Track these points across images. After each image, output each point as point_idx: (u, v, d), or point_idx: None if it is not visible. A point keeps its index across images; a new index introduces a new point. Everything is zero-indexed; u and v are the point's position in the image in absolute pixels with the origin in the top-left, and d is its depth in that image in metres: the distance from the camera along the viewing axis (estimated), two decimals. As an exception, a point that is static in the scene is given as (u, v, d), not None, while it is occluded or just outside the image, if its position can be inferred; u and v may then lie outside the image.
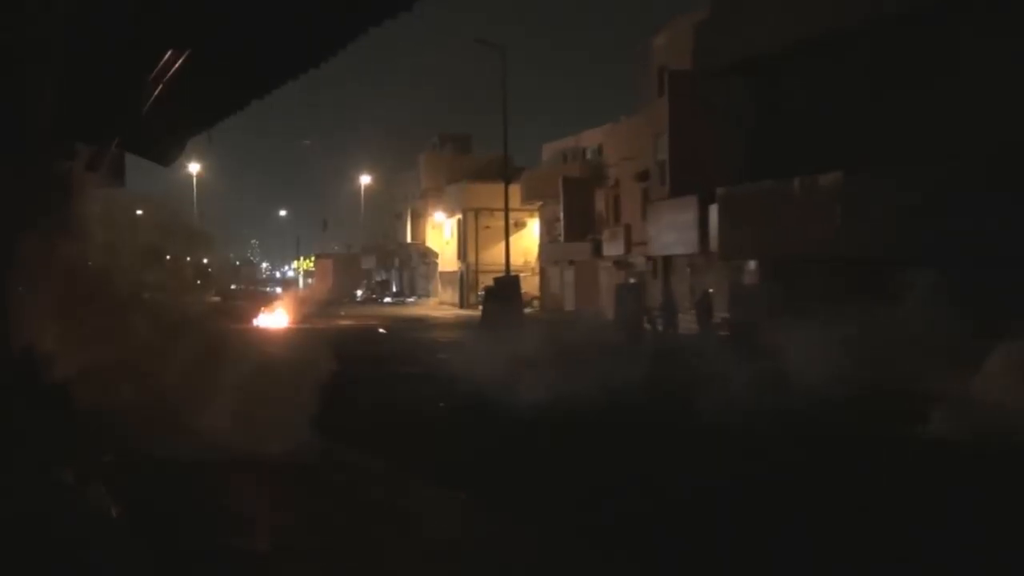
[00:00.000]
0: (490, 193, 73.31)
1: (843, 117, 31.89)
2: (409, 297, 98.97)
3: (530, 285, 69.76)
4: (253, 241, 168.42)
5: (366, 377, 25.53)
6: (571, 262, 67.29)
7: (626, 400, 20.34)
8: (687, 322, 41.85)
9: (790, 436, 16.64)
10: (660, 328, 42.68)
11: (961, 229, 25.86)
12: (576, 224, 64.39)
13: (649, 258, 53.69)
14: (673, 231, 48.05)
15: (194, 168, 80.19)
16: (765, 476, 13.86)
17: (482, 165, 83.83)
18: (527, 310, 55.34)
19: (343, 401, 19.42)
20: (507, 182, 55.02)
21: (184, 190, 79.15)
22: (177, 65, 13.69)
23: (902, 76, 29.99)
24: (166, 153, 20.14)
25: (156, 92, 14.76)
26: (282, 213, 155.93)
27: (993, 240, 25.14)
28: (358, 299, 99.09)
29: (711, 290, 41.84)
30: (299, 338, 41.48)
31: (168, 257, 21.66)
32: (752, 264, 39.49)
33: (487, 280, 59.52)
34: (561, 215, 66.27)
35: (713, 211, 42.17)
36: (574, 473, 14.20)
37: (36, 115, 11.91)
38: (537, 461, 15.11)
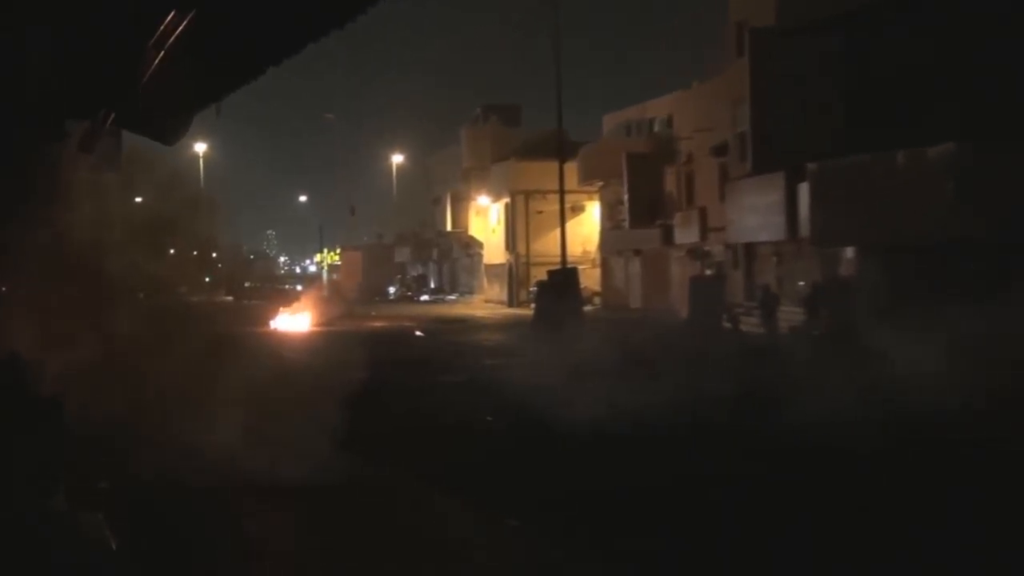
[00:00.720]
0: (542, 173, 73.11)
1: (956, 78, 31.56)
2: (450, 294, 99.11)
3: (589, 279, 69.59)
4: (269, 232, 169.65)
5: (401, 387, 25.60)
6: (637, 251, 67.06)
7: (708, 417, 20.03)
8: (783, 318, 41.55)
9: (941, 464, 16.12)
10: (742, 327, 42.48)
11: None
12: (642, 207, 64.16)
13: (728, 246, 53.43)
14: (756, 214, 47.77)
15: (200, 148, 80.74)
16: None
17: (533, 141, 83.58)
18: (586, 308, 55.23)
19: (374, 416, 19.44)
20: (562, 160, 54.83)
21: (189, 174, 79.79)
22: (181, 28, 13.70)
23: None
24: (169, 130, 20.17)
25: (158, 59, 14.79)
26: (302, 199, 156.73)
27: None
28: (391, 297, 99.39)
29: (804, 283, 41.57)
30: (323, 342, 41.75)
31: (172, 252, 21.77)
32: (849, 251, 39.22)
33: (540, 273, 59.53)
34: (625, 197, 66.05)
35: (803, 190, 41.90)
36: (648, 509, 14.02)
37: (18, 87, 11.95)
38: (602, 491, 14.92)
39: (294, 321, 51.74)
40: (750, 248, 51.42)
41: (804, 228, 42.29)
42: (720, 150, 54.05)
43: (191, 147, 77.91)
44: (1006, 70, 29.97)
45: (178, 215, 21.46)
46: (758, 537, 12.22)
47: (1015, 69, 29.59)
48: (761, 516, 13.15)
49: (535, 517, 13.02)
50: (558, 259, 54.15)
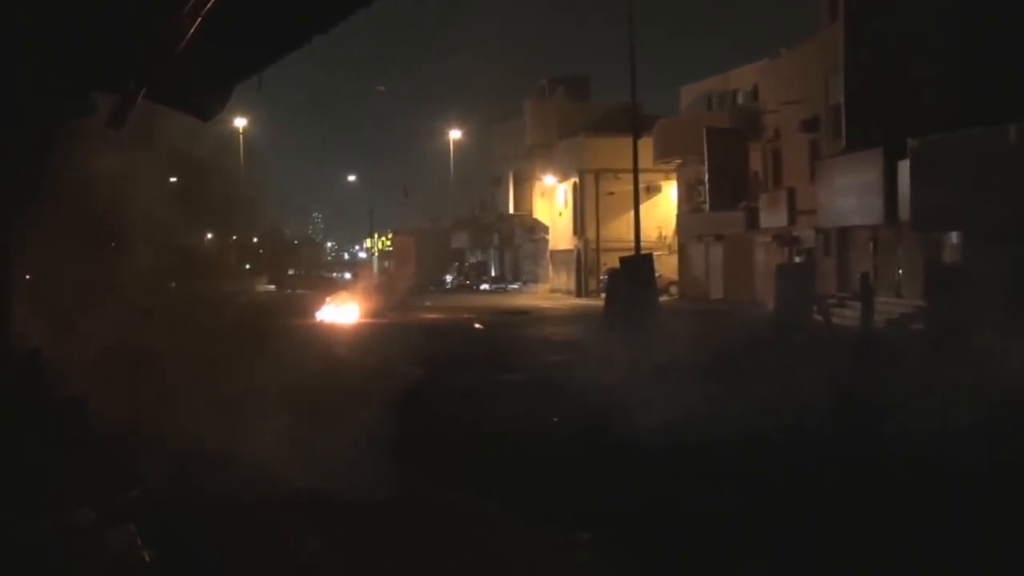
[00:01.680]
0: (614, 150, 73.05)
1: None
2: (512, 283, 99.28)
3: (666, 266, 69.43)
4: (315, 215, 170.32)
5: (458, 387, 25.46)
6: (718, 237, 66.85)
7: (801, 426, 19.62)
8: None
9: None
10: (834, 320, 42.08)
11: None
12: (725, 188, 63.87)
13: (819, 231, 53.09)
14: (851, 195, 47.41)
15: (240, 123, 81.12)
16: None
17: (603, 115, 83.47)
18: (662, 298, 55.02)
19: (429, 419, 19.34)
20: (636, 135, 54.55)
21: (227, 153, 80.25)
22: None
23: None
24: (206, 105, 20.11)
25: (194, 27, 14.69)
26: (351, 179, 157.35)
27: None
28: (448, 286, 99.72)
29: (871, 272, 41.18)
30: (374, 337, 41.79)
31: (209, 236, 21.81)
32: (955, 237, 38.81)
33: (611, 260, 59.39)
34: (705, 177, 65.77)
35: (904, 168, 41.48)
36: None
37: (37, 53, 11.89)
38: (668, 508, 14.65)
39: (341, 313, 51.86)
40: (843, 233, 51.04)
41: (904, 211, 41.87)
42: (810, 125, 53.69)
43: (230, 122, 78.15)
44: None
45: (215, 198, 21.52)
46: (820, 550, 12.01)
47: None
48: (825, 532, 12.91)
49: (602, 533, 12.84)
50: (631, 245, 53.91)
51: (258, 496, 13.41)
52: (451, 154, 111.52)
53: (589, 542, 12.62)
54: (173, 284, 18.10)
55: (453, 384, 25.86)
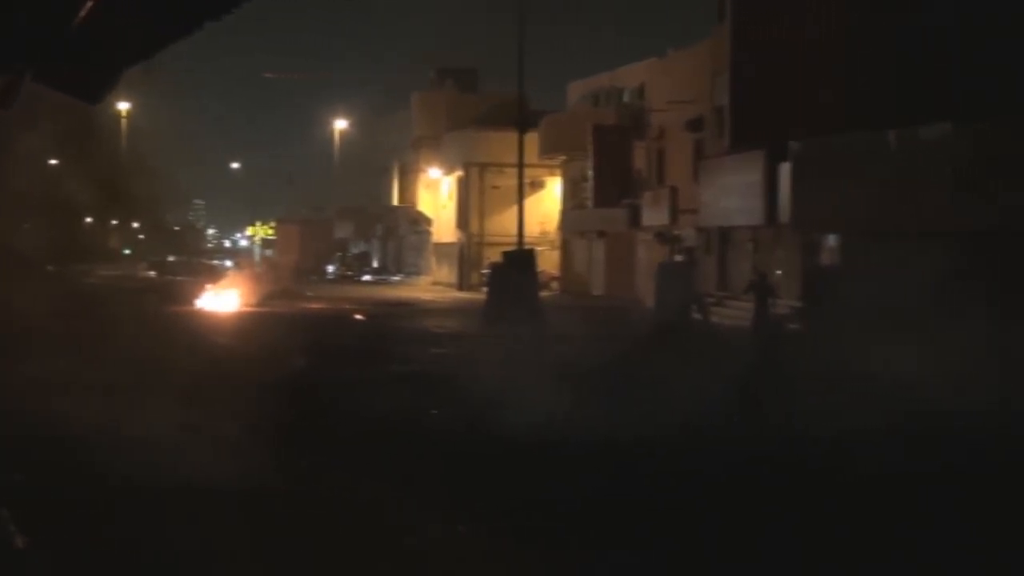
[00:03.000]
0: (500, 144, 72.95)
1: (968, 48, 31.42)
2: (394, 274, 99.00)
3: (548, 262, 69.62)
4: (198, 202, 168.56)
5: (338, 378, 25.21)
6: (601, 233, 67.08)
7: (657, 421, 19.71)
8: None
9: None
10: (713, 319, 42.40)
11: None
12: (609, 185, 64.11)
13: (701, 230, 53.44)
14: (733, 195, 47.72)
15: (123, 107, 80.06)
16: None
17: (491, 109, 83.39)
18: (544, 293, 55.13)
19: (312, 408, 19.19)
20: (522, 130, 54.53)
21: (111, 137, 79.18)
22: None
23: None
24: (94, 88, 19.77)
25: (85, 8, 14.42)
26: (234, 166, 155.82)
27: None
28: (330, 276, 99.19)
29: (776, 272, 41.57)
30: (252, 325, 41.42)
31: (88, 220, 21.48)
32: (833, 239, 39.25)
33: (494, 255, 59.32)
34: (590, 173, 65.96)
35: (785, 171, 41.85)
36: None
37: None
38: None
39: (222, 300, 51.34)
40: (724, 233, 51.44)
41: (784, 213, 42.24)
42: (696, 124, 53.98)
43: (116, 106, 77.12)
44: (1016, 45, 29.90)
45: (95, 182, 21.18)
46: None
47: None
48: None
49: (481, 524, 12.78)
50: (514, 239, 53.89)
51: (138, 484, 13.18)
52: (336, 144, 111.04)
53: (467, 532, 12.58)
54: (50, 268, 17.79)
55: (332, 375, 25.63)
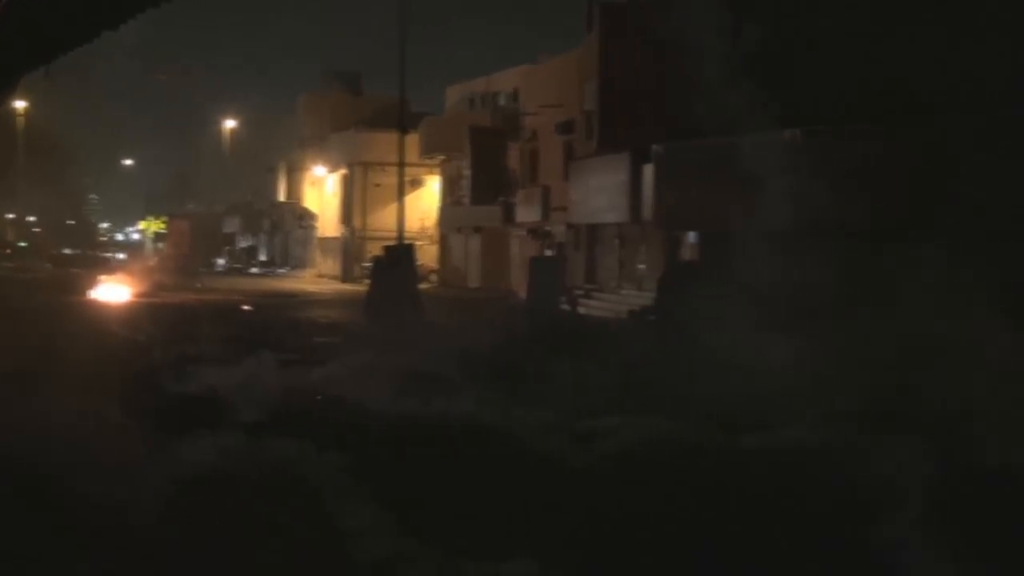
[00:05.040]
0: (383, 144, 72.87)
1: (827, 58, 31.98)
2: (281, 267, 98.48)
3: (427, 255, 69.74)
4: (92, 197, 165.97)
5: (225, 364, 25.14)
6: (477, 229, 67.27)
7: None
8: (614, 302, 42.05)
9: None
10: (580, 310, 42.90)
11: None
12: (485, 183, 64.35)
13: (571, 226, 53.81)
14: (600, 194, 48.12)
15: (20, 105, 78.94)
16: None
17: (374, 111, 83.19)
18: (423, 285, 55.22)
19: (197, 394, 19.29)
20: (402, 131, 54.54)
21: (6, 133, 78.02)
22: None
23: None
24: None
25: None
26: (127, 163, 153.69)
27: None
28: (219, 268, 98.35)
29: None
30: (143, 315, 41.08)
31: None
32: (692, 236, 39.79)
33: (376, 249, 59.28)
34: (467, 172, 66.17)
35: (648, 172, 42.35)
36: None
37: None
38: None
39: (114, 291, 50.87)
40: (592, 229, 51.83)
41: (648, 211, 42.74)
42: (566, 128, 54.32)
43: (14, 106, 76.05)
44: (885, 51, 30.48)
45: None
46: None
47: (896, 51, 30.09)
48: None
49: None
50: (395, 234, 53.94)
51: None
52: (227, 143, 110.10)
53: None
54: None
55: (220, 361, 25.53)
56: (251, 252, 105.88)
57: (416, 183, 75.02)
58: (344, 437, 15.92)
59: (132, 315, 40.86)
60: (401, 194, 54.69)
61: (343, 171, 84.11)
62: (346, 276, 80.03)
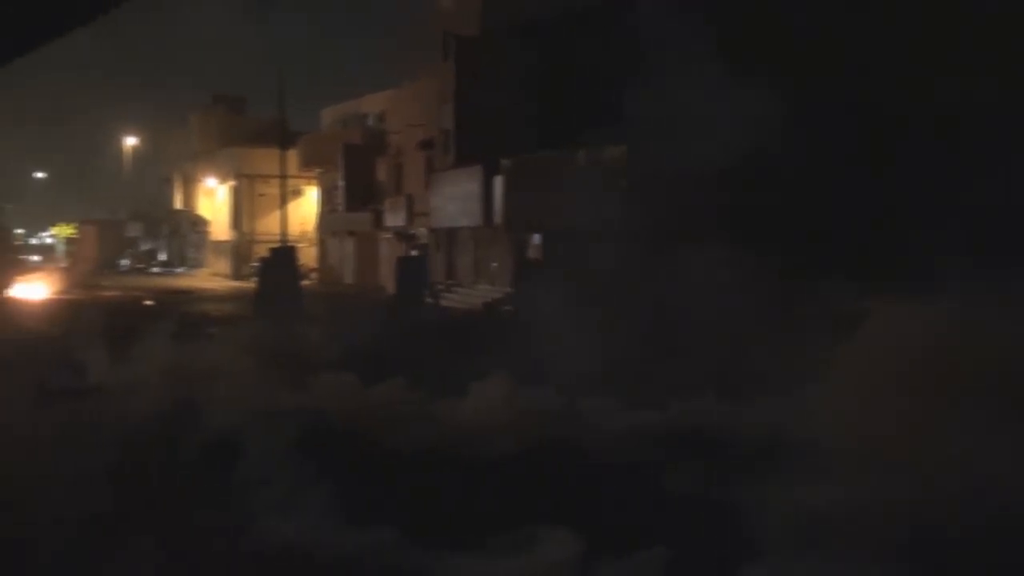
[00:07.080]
0: (266, 159, 72.30)
1: (625, 87, 32.51)
2: (178, 267, 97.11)
3: (307, 256, 69.32)
4: (8, 205, 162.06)
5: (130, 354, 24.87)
6: (351, 233, 67.12)
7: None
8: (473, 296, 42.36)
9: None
10: (443, 303, 43.14)
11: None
12: (357, 193, 64.30)
13: (432, 230, 54.02)
14: (457, 202, 48.44)
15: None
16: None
17: (259, 129, 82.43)
18: (304, 282, 54.96)
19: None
20: (283, 147, 54.45)
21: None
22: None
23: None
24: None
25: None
26: (39, 175, 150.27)
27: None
28: (123, 269, 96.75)
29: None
30: (59, 310, 40.50)
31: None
32: (537, 237, 40.24)
33: (262, 250, 58.90)
34: (341, 184, 66.03)
35: (498, 182, 42.73)
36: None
37: None
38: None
39: (31, 290, 50.05)
40: (451, 232, 52.09)
41: (498, 216, 43.13)
42: (426, 144, 54.50)
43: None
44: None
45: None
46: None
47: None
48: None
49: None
50: (279, 237, 53.77)
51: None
52: (127, 157, 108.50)
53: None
54: None
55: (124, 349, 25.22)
56: (152, 254, 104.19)
57: (297, 193, 74.74)
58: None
59: (50, 311, 40.26)
60: (284, 203, 54.61)
61: (232, 182, 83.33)
62: (236, 275, 79.23)
